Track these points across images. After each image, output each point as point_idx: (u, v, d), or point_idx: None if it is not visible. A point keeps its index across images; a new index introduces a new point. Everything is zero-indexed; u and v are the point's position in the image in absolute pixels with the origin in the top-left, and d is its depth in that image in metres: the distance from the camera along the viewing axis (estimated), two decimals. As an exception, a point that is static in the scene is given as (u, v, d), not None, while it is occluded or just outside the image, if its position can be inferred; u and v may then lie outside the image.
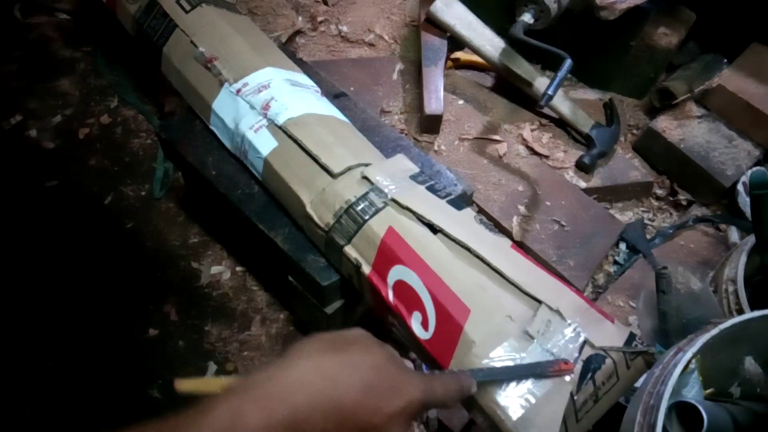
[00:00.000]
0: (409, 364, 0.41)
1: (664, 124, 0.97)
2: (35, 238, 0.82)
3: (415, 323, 0.53)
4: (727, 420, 0.58)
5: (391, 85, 1.00)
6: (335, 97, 0.79)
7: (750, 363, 0.60)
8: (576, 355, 0.49)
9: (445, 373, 0.45)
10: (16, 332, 0.73)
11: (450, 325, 0.51)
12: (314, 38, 1.06)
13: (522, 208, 0.88)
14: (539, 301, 0.52)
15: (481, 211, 0.88)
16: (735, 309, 0.70)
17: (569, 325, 0.51)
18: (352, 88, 0.97)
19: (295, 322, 0.78)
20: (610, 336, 0.51)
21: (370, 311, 0.75)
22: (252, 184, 0.69)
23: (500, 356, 0.49)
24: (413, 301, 0.53)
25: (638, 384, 0.62)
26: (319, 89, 0.74)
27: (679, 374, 0.54)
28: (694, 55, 1.07)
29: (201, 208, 0.86)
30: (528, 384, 0.47)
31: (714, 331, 0.57)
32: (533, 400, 0.47)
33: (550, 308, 0.52)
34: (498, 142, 0.95)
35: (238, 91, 0.69)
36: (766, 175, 0.77)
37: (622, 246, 0.91)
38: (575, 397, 0.48)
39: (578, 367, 0.49)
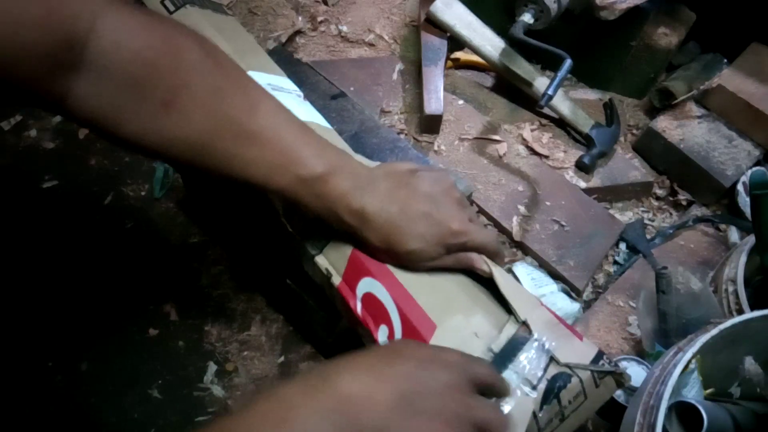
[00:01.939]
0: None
1: (663, 124, 0.97)
2: (34, 238, 0.82)
3: (381, 337, 0.53)
4: (727, 420, 0.58)
5: (391, 85, 1.00)
6: (333, 97, 0.79)
7: (750, 363, 0.60)
8: (540, 374, 0.49)
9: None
10: (15, 332, 0.73)
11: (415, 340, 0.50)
12: (314, 38, 1.06)
13: (522, 208, 0.88)
14: (508, 315, 0.52)
15: (480, 211, 0.88)
16: (735, 309, 0.70)
17: (535, 341, 0.50)
18: (352, 88, 0.97)
19: (294, 323, 0.78)
20: (577, 353, 0.50)
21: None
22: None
23: None
24: (380, 315, 0.53)
25: (638, 385, 0.62)
26: (301, 93, 0.73)
27: (679, 374, 0.54)
28: (694, 55, 1.07)
29: (201, 208, 0.86)
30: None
31: (714, 331, 0.57)
32: None
33: (517, 321, 0.51)
34: (498, 142, 0.95)
35: None
36: (766, 175, 0.78)
37: (622, 246, 0.91)
38: (539, 416, 0.47)
39: (542, 386, 0.48)
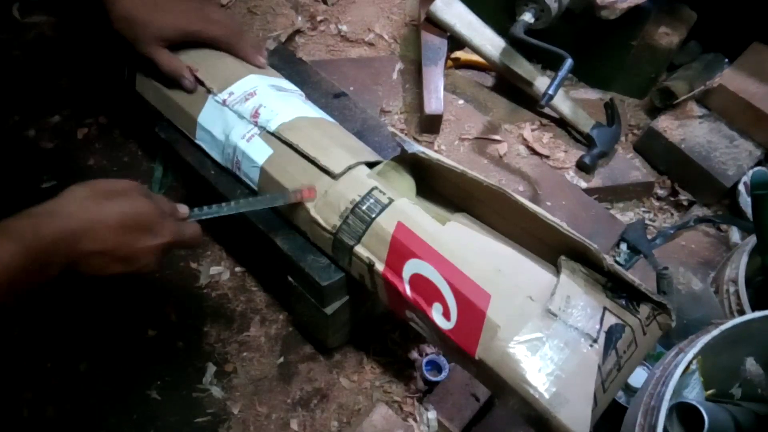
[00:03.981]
0: (183, 208, 0.59)
1: (665, 123, 0.97)
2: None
3: (436, 315, 0.54)
4: (728, 421, 0.58)
5: (391, 85, 1.00)
6: (335, 96, 0.78)
7: (751, 364, 0.59)
8: (597, 327, 0.50)
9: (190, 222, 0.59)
10: (14, 333, 0.73)
11: (472, 313, 0.52)
12: (314, 38, 1.06)
13: (522, 208, 0.88)
14: (556, 272, 0.54)
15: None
16: (736, 310, 0.70)
17: (587, 296, 0.52)
18: (351, 88, 0.96)
19: (294, 323, 0.77)
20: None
21: (370, 310, 0.75)
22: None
23: (525, 338, 0.49)
24: (432, 293, 0.54)
25: (638, 386, 0.62)
26: (303, 93, 0.73)
27: (680, 375, 0.54)
28: (695, 54, 1.07)
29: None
30: (554, 360, 0.48)
31: (715, 332, 0.57)
32: (563, 376, 0.48)
33: (569, 279, 0.52)
34: (498, 141, 0.95)
35: (224, 101, 0.67)
36: (767, 175, 0.77)
37: (623, 246, 0.91)
38: (602, 368, 0.49)
39: (602, 338, 0.50)
